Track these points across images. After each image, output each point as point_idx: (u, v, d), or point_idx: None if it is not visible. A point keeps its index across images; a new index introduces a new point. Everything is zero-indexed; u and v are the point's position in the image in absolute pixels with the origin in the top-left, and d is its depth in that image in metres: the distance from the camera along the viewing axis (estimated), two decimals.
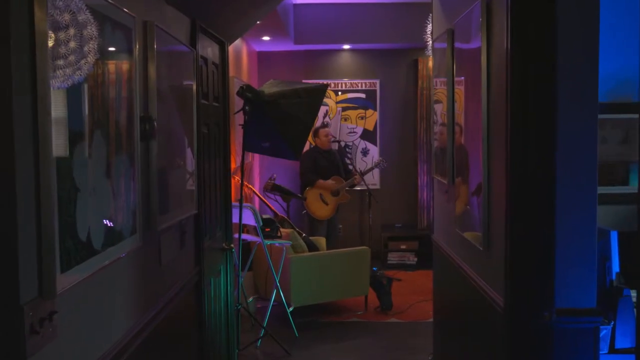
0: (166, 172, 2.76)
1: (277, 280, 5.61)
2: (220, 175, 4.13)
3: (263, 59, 8.62)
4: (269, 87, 5.29)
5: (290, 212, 7.67)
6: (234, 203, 5.58)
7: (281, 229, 6.04)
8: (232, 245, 4.21)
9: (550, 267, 2.48)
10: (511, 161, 2.49)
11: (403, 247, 8.30)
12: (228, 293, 4.26)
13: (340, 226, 8.47)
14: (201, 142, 3.49)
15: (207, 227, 3.64)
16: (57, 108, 1.67)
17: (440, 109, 4.47)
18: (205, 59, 3.71)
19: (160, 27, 2.65)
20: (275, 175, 7.52)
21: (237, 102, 6.07)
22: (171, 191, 2.84)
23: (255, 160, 8.16)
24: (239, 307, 4.89)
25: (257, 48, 8.49)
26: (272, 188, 7.35)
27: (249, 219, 5.51)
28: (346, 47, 8.57)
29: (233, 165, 6.50)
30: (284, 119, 5.04)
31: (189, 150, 3.21)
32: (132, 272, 2.31)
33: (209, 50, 3.84)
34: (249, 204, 5.58)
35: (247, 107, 4.96)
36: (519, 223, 2.51)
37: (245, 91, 4.97)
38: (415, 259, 8.27)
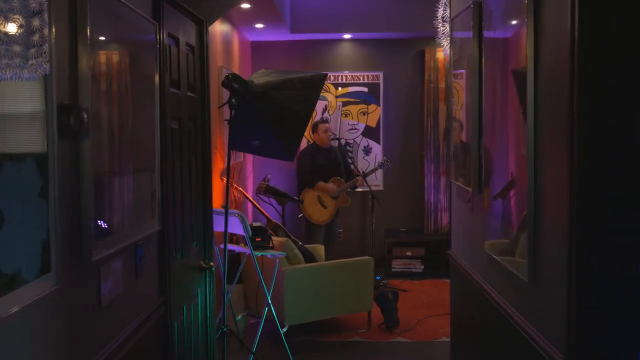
0: (109, 181, 2.08)
1: (268, 297, 4.93)
2: (197, 179, 3.46)
3: (257, 50, 8.05)
4: (260, 77, 4.60)
5: (285, 216, 7.00)
6: (218, 209, 4.92)
7: (274, 238, 5.37)
8: (211, 264, 3.53)
9: (635, 308, 1.80)
10: (579, 167, 1.80)
11: (408, 253, 7.78)
12: (208, 319, 3.59)
13: (340, 230, 7.85)
14: (169, 140, 2.81)
15: (177, 244, 2.96)
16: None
17: (454, 104, 3.86)
18: (175, 39, 3.03)
19: None
20: (269, 176, 6.84)
21: (224, 95, 5.41)
22: (118, 205, 2.16)
23: (248, 159, 7.49)
24: (225, 329, 4.22)
25: (250, 37, 7.87)
26: (265, 190, 6.67)
27: (236, 228, 4.83)
28: (347, 36, 8.00)
29: (221, 166, 5.83)
30: (276, 114, 4.36)
31: (148, 150, 2.52)
32: (42, 328, 1.62)
33: (182, 29, 3.17)
34: (236, 211, 4.90)
35: (233, 100, 4.28)
36: (587, 245, 1.83)
37: (232, 81, 4.27)
38: (422, 267, 7.75)
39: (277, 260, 5.12)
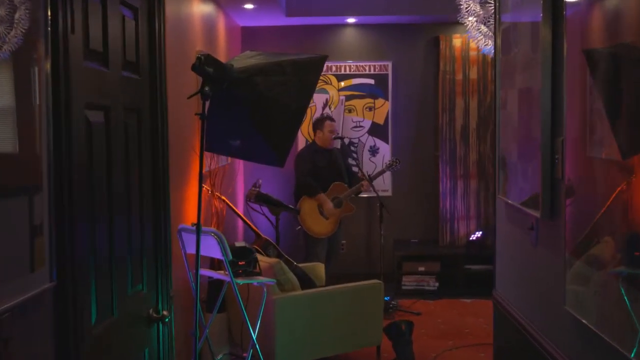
0: None
1: (254, 336, 3.96)
2: (145, 194, 2.49)
3: (247, 36, 7.35)
4: (242, 60, 3.64)
5: (280, 228, 6.03)
6: (187, 226, 3.96)
7: (263, 259, 4.43)
8: (165, 313, 2.54)
9: None
10: None
11: (421, 269, 7.02)
12: None
13: (344, 242, 6.99)
14: (76, 140, 1.84)
15: (101, 296, 1.97)
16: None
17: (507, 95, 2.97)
18: None
19: None
20: (260, 181, 5.88)
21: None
22: None
23: (238, 161, 6.52)
24: None
25: (240, 22, 6.98)
26: (256, 198, 5.70)
27: (212, 250, 3.87)
28: (351, 20, 7.29)
29: (203, 171, 4.86)
30: (261, 106, 3.42)
31: (24, 159, 1.55)
32: None
33: None
34: (212, 229, 3.93)
35: (206, 88, 3.33)
36: None
37: (204, 64, 3.32)
38: (437, 284, 6.99)
39: (265, 289, 4.16)
